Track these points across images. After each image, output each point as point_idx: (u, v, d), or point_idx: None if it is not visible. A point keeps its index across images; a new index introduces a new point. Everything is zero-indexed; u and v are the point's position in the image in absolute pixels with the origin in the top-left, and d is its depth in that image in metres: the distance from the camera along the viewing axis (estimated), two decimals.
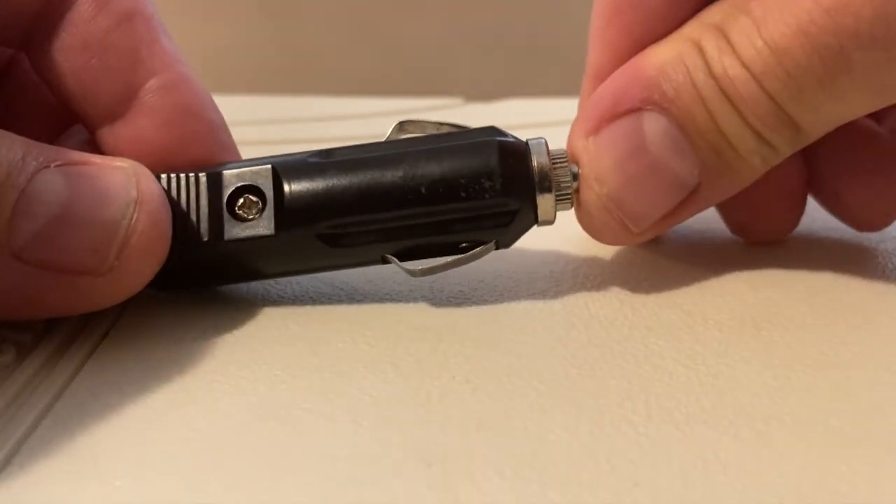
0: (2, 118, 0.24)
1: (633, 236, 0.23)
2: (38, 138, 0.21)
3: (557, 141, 0.23)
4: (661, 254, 0.26)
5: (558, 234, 0.24)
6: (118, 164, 0.21)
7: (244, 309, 0.23)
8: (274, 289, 0.24)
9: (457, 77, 0.59)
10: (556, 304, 0.23)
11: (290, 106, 0.42)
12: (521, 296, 0.24)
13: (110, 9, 0.22)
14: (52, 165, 0.20)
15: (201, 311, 0.23)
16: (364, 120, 0.39)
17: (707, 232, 0.27)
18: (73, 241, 0.20)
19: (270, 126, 0.39)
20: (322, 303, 0.23)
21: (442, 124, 0.23)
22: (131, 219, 0.20)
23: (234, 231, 0.22)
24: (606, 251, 0.26)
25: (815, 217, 0.26)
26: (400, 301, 0.23)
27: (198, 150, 0.23)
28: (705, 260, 0.25)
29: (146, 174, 0.21)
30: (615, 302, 0.23)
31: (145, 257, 0.21)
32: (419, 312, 0.23)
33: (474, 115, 0.40)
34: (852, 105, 0.21)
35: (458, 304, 0.23)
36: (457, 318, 0.22)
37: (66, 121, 0.24)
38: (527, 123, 0.37)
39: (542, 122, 0.37)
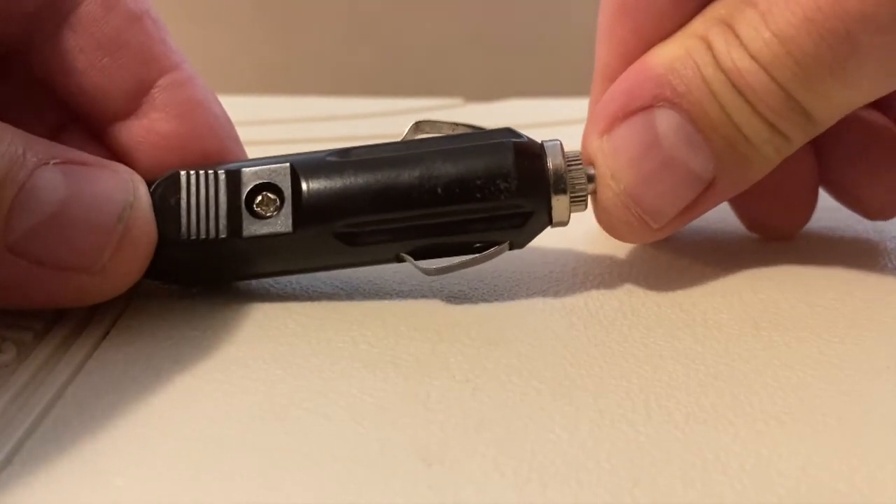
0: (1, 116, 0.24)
1: (652, 232, 0.23)
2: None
3: (561, 140, 0.23)
4: (660, 253, 0.26)
5: (558, 234, 0.24)
6: (115, 167, 0.21)
7: (244, 308, 0.23)
8: (274, 288, 0.24)
9: (457, 77, 0.59)
10: (556, 304, 0.23)
11: (290, 106, 0.42)
12: (521, 296, 0.24)
13: (120, 9, 0.22)
14: (52, 162, 0.20)
15: (201, 310, 0.23)
16: (364, 120, 0.39)
17: (707, 231, 0.27)
18: (68, 240, 0.20)
19: (270, 126, 0.39)
20: (322, 302, 0.23)
21: (457, 125, 0.23)
22: (126, 222, 0.21)
23: (252, 228, 0.22)
24: (606, 251, 0.26)
25: (816, 217, 0.26)
26: (400, 301, 0.23)
27: (210, 142, 0.23)
28: (705, 259, 0.25)
29: (139, 178, 0.22)
30: (615, 302, 0.23)
31: (136, 259, 0.21)
32: (419, 312, 0.23)
33: (474, 115, 0.40)
34: (862, 90, 0.21)
35: (458, 304, 0.23)
36: (457, 318, 0.22)
37: (64, 120, 0.24)
38: (527, 123, 0.36)
39: (541, 122, 0.37)
